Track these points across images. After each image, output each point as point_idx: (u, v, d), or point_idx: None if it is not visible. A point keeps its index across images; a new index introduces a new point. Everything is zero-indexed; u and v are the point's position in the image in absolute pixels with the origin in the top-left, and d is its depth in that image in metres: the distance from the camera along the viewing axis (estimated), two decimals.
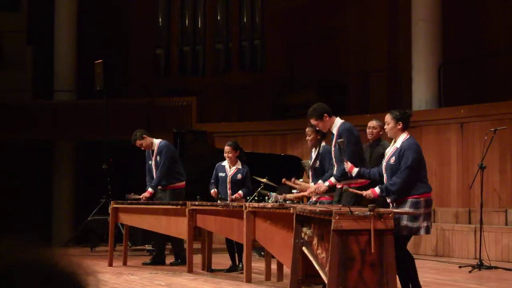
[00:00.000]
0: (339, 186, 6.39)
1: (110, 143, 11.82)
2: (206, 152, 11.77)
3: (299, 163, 10.69)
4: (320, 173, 6.79)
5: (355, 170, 6.02)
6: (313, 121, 6.60)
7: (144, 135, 9.20)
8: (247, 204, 7.34)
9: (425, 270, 8.26)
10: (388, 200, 5.72)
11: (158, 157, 9.15)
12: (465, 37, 12.81)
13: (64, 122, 13.93)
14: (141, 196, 9.07)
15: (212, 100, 14.88)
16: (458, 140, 10.95)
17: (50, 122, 14.01)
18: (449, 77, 12.15)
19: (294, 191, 7.84)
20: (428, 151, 10.65)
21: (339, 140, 6.20)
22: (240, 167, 8.34)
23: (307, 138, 6.97)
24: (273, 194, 8.42)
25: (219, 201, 8.30)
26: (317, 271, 5.30)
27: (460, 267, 8.57)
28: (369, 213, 4.78)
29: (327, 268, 4.90)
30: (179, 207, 8.33)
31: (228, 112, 14.96)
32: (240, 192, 8.22)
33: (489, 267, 8.35)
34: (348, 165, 6.06)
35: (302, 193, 7.31)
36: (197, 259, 8.43)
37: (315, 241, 5.44)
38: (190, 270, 8.12)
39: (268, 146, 13.11)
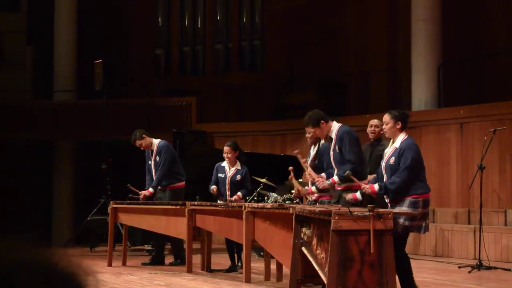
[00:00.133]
0: (339, 188, 6.42)
1: (110, 143, 11.83)
2: (205, 152, 11.77)
3: (299, 163, 10.67)
4: (319, 170, 6.83)
5: (376, 187, 5.74)
6: (310, 129, 6.64)
7: (144, 135, 9.20)
8: (246, 204, 7.34)
9: (425, 271, 8.27)
10: (387, 200, 5.73)
11: (157, 157, 9.15)
12: (465, 37, 12.81)
13: (64, 122, 13.93)
14: (140, 193, 9.07)
15: (212, 100, 14.89)
16: (457, 140, 10.95)
17: (50, 122, 14.01)
18: (449, 77, 12.15)
19: (293, 191, 7.84)
20: (427, 152, 10.66)
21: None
22: (239, 167, 8.34)
23: (307, 135, 6.99)
24: (273, 194, 8.44)
25: (218, 201, 8.30)
26: (316, 271, 5.30)
27: (459, 267, 8.57)
28: (368, 213, 4.79)
29: (326, 268, 4.90)
30: (178, 207, 8.33)
31: (227, 112, 14.96)
32: (239, 193, 8.22)
33: (489, 268, 8.36)
34: (368, 188, 5.84)
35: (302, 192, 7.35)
36: (197, 259, 8.43)
37: (314, 241, 5.44)
38: (189, 270, 8.12)
39: (268, 146, 13.10)
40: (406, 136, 5.73)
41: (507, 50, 12.23)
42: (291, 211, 5.95)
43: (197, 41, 15.35)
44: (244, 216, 7.13)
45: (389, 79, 13.83)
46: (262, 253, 8.43)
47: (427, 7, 11.94)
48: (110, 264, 8.96)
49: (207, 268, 8.36)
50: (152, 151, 9.23)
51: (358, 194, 5.87)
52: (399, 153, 5.62)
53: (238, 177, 8.29)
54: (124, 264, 9.06)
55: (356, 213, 4.83)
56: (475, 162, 9.60)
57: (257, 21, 15.13)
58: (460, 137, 10.91)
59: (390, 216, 4.87)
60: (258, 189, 8.53)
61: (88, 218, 11.23)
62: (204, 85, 15.09)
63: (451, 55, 12.37)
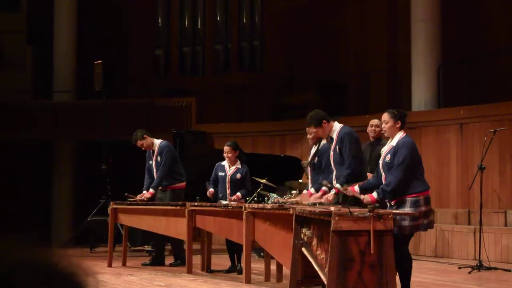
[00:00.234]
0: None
1: (110, 143, 11.83)
2: (205, 152, 11.77)
3: (299, 163, 10.69)
4: (317, 169, 6.83)
5: (357, 188, 5.92)
6: (312, 129, 6.64)
7: (145, 135, 9.21)
8: (246, 204, 7.34)
9: (425, 271, 8.27)
10: (386, 200, 5.73)
11: (159, 157, 9.15)
12: (465, 37, 12.81)
13: (64, 122, 13.93)
14: (137, 198, 9.07)
15: (212, 100, 14.89)
16: (457, 141, 10.94)
17: (50, 122, 14.01)
18: (448, 77, 12.15)
19: (293, 191, 7.83)
20: (427, 152, 10.66)
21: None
22: (239, 166, 8.34)
23: (308, 136, 6.99)
24: (274, 195, 8.43)
25: (219, 201, 8.30)
26: (316, 272, 5.30)
27: (459, 268, 8.57)
28: (368, 214, 4.79)
29: (326, 269, 4.90)
30: (178, 207, 8.33)
31: (227, 113, 14.96)
32: (238, 193, 8.21)
33: (489, 268, 8.35)
34: (349, 191, 5.99)
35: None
36: (197, 259, 8.43)
37: (314, 242, 5.44)
38: (189, 271, 8.12)
39: (268, 147, 13.10)
40: (404, 135, 5.75)
41: (507, 50, 12.23)
42: (291, 211, 5.94)
43: (197, 41, 15.35)
44: (244, 217, 7.12)
45: (389, 79, 13.83)
46: (262, 254, 8.42)
47: (427, 7, 11.95)
48: (110, 265, 8.95)
49: (207, 268, 8.36)
50: (153, 151, 9.23)
51: (374, 194, 5.78)
52: (395, 151, 5.64)
53: (238, 175, 8.29)
54: (124, 264, 9.05)
55: (356, 213, 4.83)
56: (475, 162, 9.60)
57: (256, 21, 15.13)
58: (460, 138, 10.91)
59: (390, 216, 4.87)
60: (258, 189, 8.53)
61: (88, 219, 11.23)
62: (203, 85, 15.09)
63: (451, 55, 12.37)
